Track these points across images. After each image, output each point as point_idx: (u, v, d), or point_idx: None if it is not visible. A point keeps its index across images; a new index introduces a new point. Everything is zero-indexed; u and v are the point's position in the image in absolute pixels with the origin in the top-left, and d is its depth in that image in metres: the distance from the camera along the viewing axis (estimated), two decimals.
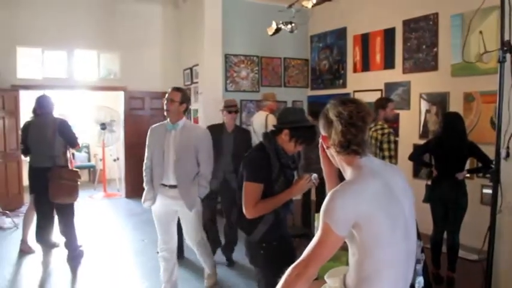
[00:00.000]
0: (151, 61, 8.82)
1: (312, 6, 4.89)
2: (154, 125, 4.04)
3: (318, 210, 5.21)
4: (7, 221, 6.73)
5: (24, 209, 7.48)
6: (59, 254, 5.42)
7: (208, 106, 7.41)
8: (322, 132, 1.87)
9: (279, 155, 2.68)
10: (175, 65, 8.92)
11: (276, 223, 2.72)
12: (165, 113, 3.81)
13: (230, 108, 5.08)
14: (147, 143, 3.99)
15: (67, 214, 5.27)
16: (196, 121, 8.03)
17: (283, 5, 5.95)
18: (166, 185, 3.84)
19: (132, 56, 8.66)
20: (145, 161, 3.97)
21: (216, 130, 4.88)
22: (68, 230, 5.29)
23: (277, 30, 5.87)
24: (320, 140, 1.93)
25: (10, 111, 7.78)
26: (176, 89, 3.86)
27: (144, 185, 3.95)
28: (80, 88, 8.92)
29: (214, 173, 4.61)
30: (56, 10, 8.05)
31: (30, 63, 8.20)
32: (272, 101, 6.58)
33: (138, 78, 8.60)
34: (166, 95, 3.80)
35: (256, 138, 6.41)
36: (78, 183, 5.36)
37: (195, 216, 3.93)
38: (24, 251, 5.48)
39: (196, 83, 8.05)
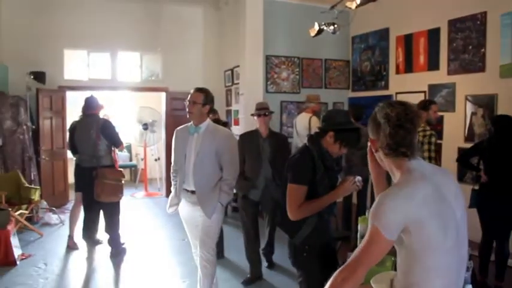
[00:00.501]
0: (192, 62, 8.94)
1: (356, 7, 4.83)
2: (180, 127, 3.85)
3: (359, 214, 5.14)
4: (54, 217, 6.95)
5: (69, 206, 7.73)
6: (103, 251, 5.55)
7: (249, 107, 7.41)
8: (371, 135, 1.84)
9: (323, 157, 2.66)
10: (216, 66, 9.01)
11: (319, 225, 2.70)
12: (188, 115, 3.63)
13: (259, 111, 4.68)
14: (172, 146, 3.84)
15: (112, 212, 5.41)
16: (236, 122, 8.09)
17: (326, 6, 5.91)
18: (188, 190, 3.67)
19: (173, 58, 8.80)
20: (172, 165, 3.85)
21: (250, 137, 4.73)
22: (112, 227, 5.43)
23: (320, 31, 5.83)
24: (368, 144, 1.91)
25: (57, 111, 8.04)
26: (199, 90, 3.65)
27: (172, 189, 3.86)
28: (123, 89, 9.15)
29: (255, 182, 4.58)
30: (100, 14, 8.28)
31: (76, 65, 8.47)
32: (316, 102, 6.55)
33: (179, 79, 8.72)
34: (189, 96, 3.62)
35: (299, 141, 6.40)
36: (123, 182, 5.49)
37: (214, 224, 3.66)
38: (71, 246, 5.65)
39: (237, 84, 8.11)
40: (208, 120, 3.69)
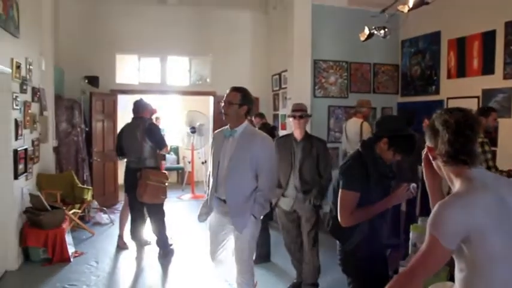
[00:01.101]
0: (240, 66, 9.02)
1: (408, 11, 4.73)
2: (218, 129, 3.63)
3: (408, 221, 4.98)
4: (104, 217, 7.16)
5: (118, 206, 7.96)
6: (152, 251, 5.67)
7: None
8: (428, 142, 1.80)
9: (376, 164, 2.63)
10: (264, 70, 9.06)
11: (371, 233, 2.67)
12: (223, 117, 3.38)
13: (294, 113, 4.21)
14: (210, 150, 3.61)
15: (156, 214, 5.50)
16: (284, 126, 8.11)
17: (376, 10, 5.83)
18: (220, 199, 3.40)
19: (222, 62, 8.92)
20: (208, 170, 3.62)
21: (284, 141, 4.34)
22: (159, 229, 5.52)
23: (370, 35, 5.74)
24: (423, 152, 1.87)
25: (109, 114, 8.30)
26: (235, 89, 3.35)
27: (205, 195, 3.61)
28: (172, 93, 9.35)
29: (285, 190, 4.21)
30: (151, 20, 8.51)
31: (128, 69, 8.73)
32: (367, 107, 6.45)
33: (227, 83, 8.68)
34: (224, 96, 3.36)
35: (349, 146, 6.33)
36: (166, 184, 5.56)
37: (247, 238, 3.34)
38: (121, 246, 5.81)
39: (285, 88, 8.13)
40: (245, 123, 3.37)
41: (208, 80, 9.03)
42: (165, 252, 5.53)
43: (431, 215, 1.61)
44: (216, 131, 3.70)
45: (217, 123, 8.79)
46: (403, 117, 5.70)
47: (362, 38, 5.87)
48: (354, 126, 6.31)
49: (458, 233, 1.56)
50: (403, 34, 8.13)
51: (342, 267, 2.82)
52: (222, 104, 3.34)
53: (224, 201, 3.35)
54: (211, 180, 3.46)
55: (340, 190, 2.64)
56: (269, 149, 3.36)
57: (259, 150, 3.28)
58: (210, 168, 3.51)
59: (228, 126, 3.42)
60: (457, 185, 1.71)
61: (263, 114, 6.79)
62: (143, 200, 5.32)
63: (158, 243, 5.56)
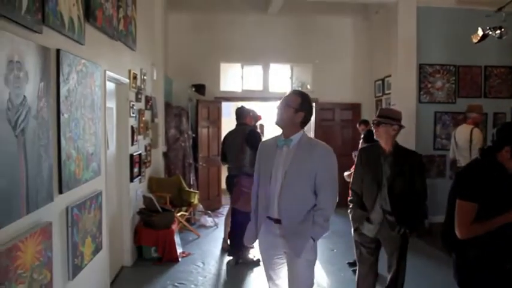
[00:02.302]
0: (342, 73, 8.92)
1: None
2: (267, 139, 3.23)
3: None
4: (209, 220, 7.43)
5: (222, 210, 8.25)
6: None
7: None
8: None
9: (498, 173, 2.45)
10: (366, 76, 8.87)
11: (492, 247, 2.48)
12: (275, 122, 2.98)
13: (379, 119, 3.57)
14: (255, 164, 3.19)
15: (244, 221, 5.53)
16: None
17: (488, 9, 5.48)
18: (271, 219, 2.93)
19: (323, 68, 8.88)
20: (253, 185, 3.19)
21: (369, 152, 3.67)
22: (237, 235, 5.56)
23: (484, 36, 5.39)
24: None
25: (213, 121, 8.63)
26: (295, 92, 2.99)
27: (251, 215, 3.16)
28: (274, 100, 9.43)
29: (369, 213, 3.54)
30: (253, 28, 8.72)
31: (231, 77, 9.01)
32: (478, 113, 6.07)
33: (328, 89, 8.77)
34: (281, 99, 2.99)
35: (458, 154, 6.01)
36: None
37: (305, 264, 2.91)
38: (225, 249, 5.96)
39: (388, 94, 7.90)
40: (301, 132, 2.92)
41: (309, 86, 9.04)
42: (236, 260, 5.52)
43: None
44: (263, 141, 3.35)
45: (319, 130, 8.77)
46: None
47: (475, 40, 5.54)
48: (463, 132, 5.97)
49: None
50: None
51: (457, 281, 2.66)
52: (277, 106, 2.95)
53: (275, 220, 2.90)
54: (260, 196, 3.00)
55: (457, 200, 2.50)
56: (331, 161, 2.89)
57: (320, 161, 2.84)
58: (256, 183, 3.10)
59: (280, 134, 2.98)
60: None
61: (368, 121, 6.63)
62: (236, 206, 5.36)
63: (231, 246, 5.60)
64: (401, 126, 3.51)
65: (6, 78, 2.09)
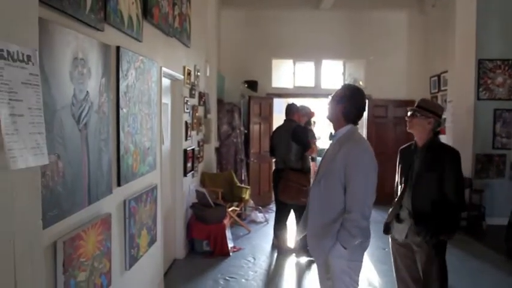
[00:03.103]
0: (395, 69, 8.73)
1: None
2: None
3: None
4: (259, 216, 7.47)
5: (272, 206, 8.23)
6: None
7: (458, 116, 7.01)
8: None
9: None
10: (421, 72, 8.62)
11: None
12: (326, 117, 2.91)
13: (414, 109, 3.29)
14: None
15: (299, 214, 5.55)
16: (443, 131, 7.61)
17: None
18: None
19: (376, 64, 8.72)
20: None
21: (406, 149, 3.44)
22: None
23: None
24: None
25: (265, 117, 8.66)
26: (342, 85, 2.92)
27: None
28: (326, 96, 9.32)
29: (398, 214, 3.31)
30: (305, 24, 8.68)
31: (283, 73, 9.00)
32: None
33: (382, 86, 8.61)
34: None
35: None
36: (307, 188, 5.52)
37: (336, 272, 2.71)
38: (275, 244, 5.97)
39: (444, 90, 7.65)
40: (347, 127, 2.78)
41: (361, 83, 8.90)
42: (308, 253, 5.51)
43: None
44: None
45: (372, 126, 8.62)
46: None
47: None
48: None
49: None
50: None
51: None
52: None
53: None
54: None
55: None
56: (358, 159, 2.64)
57: (345, 159, 2.62)
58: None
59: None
60: None
61: None
62: (283, 199, 5.45)
63: (298, 243, 5.58)
64: (438, 121, 3.23)
65: (71, 74, 2.18)
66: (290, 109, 5.89)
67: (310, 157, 5.98)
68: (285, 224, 5.82)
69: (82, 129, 2.33)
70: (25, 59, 1.48)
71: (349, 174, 2.59)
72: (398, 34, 8.83)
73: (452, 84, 7.27)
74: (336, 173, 2.64)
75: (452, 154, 3.19)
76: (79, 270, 2.26)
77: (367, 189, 2.61)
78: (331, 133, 2.92)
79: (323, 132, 10.72)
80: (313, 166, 6.07)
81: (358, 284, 2.75)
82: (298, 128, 5.75)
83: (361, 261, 2.76)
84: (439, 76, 7.95)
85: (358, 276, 2.75)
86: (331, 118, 2.84)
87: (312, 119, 6.80)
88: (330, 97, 2.84)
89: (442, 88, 7.80)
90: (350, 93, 2.78)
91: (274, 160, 5.93)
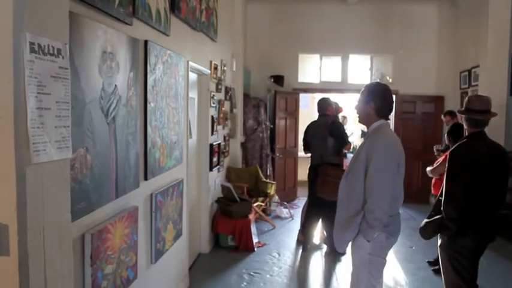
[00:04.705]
0: (424, 63, 8.53)
1: None
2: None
3: None
4: (284, 211, 7.44)
5: (297, 202, 8.24)
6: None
7: None
8: None
9: None
10: (451, 67, 8.41)
11: None
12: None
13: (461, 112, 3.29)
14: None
15: (332, 211, 5.48)
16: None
17: None
18: None
19: (405, 59, 8.54)
20: None
21: (462, 150, 3.19)
22: (331, 226, 5.50)
23: None
24: None
25: (291, 112, 8.60)
26: (367, 84, 2.99)
27: None
28: (353, 91, 9.24)
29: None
30: (332, 19, 8.55)
31: (309, 68, 8.92)
32: None
33: (410, 81, 8.44)
34: None
35: None
36: None
37: (356, 264, 2.82)
38: (300, 241, 5.94)
39: (475, 86, 7.44)
40: (378, 123, 2.81)
41: (389, 78, 8.75)
42: (333, 251, 5.48)
43: None
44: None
45: (399, 122, 8.49)
46: None
47: None
48: None
49: None
50: None
51: None
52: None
53: None
54: None
55: None
56: (379, 153, 2.66)
57: (368, 150, 2.69)
58: None
59: None
60: None
61: (455, 113, 6.25)
62: (322, 195, 5.29)
63: (326, 240, 5.57)
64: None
65: (100, 68, 2.20)
66: (322, 104, 5.82)
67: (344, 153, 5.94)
68: (316, 221, 5.76)
69: (110, 123, 2.34)
70: (55, 53, 1.49)
71: (369, 165, 2.65)
72: (427, 27, 8.63)
73: (484, 80, 7.07)
74: (360, 166, 2.70)
75: (504, 153, 3.22)
76: (106, 263, 2.28)
77: (385, 181, 2.63)
78: (362, 131, 2.92)
79: (355, 129, 10.63)
80: (345, 163, 6.00)
81: (378, 283, 2.75)
82: (335, 123, 5.72)
83: (384, 259, 2.76)
84: (469, 71, 7.74)
85: (380, 274, 2.77)
86: (359, 115, 2.93)
87: (340, 114, 6.73)
88: (356, 102, 2.93)
89: (473, 83, 7.59)
90: (375, 90, 2.87)
91: (310, 156, 5.82)
